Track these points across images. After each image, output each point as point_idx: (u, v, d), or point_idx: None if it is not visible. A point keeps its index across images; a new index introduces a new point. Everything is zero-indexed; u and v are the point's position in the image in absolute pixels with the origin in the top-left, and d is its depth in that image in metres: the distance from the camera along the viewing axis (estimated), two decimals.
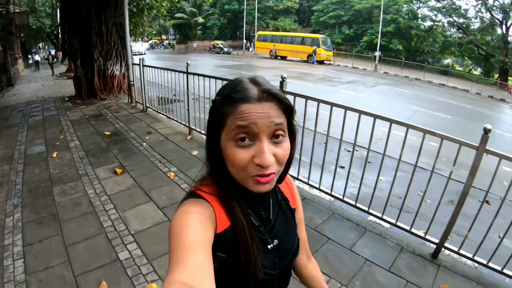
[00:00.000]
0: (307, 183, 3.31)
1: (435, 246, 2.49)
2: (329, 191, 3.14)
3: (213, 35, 40.98)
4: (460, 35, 31.99)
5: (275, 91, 0.61)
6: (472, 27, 31.39)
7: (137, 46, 33.09)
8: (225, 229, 0.64)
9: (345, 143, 3.13)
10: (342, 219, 2.90)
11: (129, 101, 7.52)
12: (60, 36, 14.13)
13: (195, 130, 4.93)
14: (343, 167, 4.33)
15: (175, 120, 5.57)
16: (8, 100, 9.68)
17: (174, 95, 5.63)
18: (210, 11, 39.16)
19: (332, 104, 2.88)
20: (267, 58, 27.66)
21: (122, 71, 8.29)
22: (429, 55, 35.50)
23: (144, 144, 4.67)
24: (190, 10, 35.57)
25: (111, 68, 8.25)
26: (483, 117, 11.63)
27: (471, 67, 38.82)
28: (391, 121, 2.56)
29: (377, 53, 25.82)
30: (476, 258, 2.37)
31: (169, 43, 42.22)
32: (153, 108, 6.48)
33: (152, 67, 6.33)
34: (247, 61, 24.36)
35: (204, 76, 4.51)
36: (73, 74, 10.04)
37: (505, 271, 2.25)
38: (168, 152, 4.32)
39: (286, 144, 0.63)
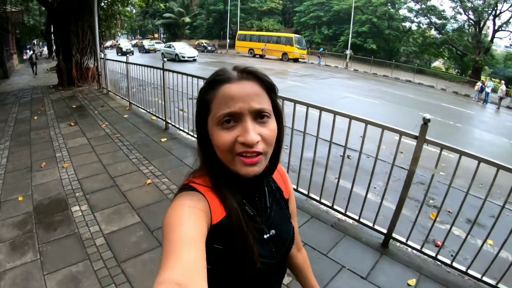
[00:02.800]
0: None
1: None
2: None
3: (201, 34, 43.03)
4: (439, 36, 33.61)
5: (254, 69, 0.64)
6: (449, 27, 33.21)
7: (184, 49, 23.73)
8: (220, 220, 0.64)
9: None
10: None
11: (98, 87, 9.67)
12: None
13: (133, 104, 7.06)
14: None
15: (123, 98, 7.72)
16: (4, 88, 11.83)
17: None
18: (197, 11, 41.23)
19: None
20: (245, 56, 29.69)
21: (95, 64, 10.41)
22: (412, 55, 37.41)
23: (96, 112, 6.85)
24: (177, 10, 37.72)
25: (86, 61, 10.40)
26: (419, 104, 13.01)
27: (453, 66, 40.24)
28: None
29: (348, 52, 27.97)
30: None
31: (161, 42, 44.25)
32: (113, 92, 8.62)
33: (112, 60, 8.48)
34: (224, 58, 26.32)
35: (138, 64, 6.61)
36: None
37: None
38: (108, 116, 6.50)
39: (272, 124, 0.64)
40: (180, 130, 5.19)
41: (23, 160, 4.37)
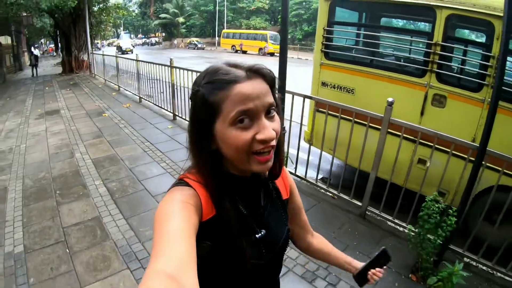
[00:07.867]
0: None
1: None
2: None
3: (195, 33, 47.07)
4: None
5: (260, 66, 0.63)
6: None
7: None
8: (211, 217, 0.65)
9: None
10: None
11: (90, 73, 13.83)
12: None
13: (107, 80, 11.12)
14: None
15: (102, 78, 11.80)
16: (22, 77, 16.18)
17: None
18: (190, 12, 45.25)
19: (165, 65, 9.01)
20: (228, 52, 33.59)
21: (88, 57, 14.55)
22: None
23: (84, 85, 11.00)
24: (172, 11, 41.82)
25: (82, 56, 14.60)
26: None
27: None
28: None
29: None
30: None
31: (157, 41, 48.86)
32: (98, 75, 12.73)
33: (96, 54, 12.59)
34: (206, 53, 29.97)
35: (106, 55, 10.65)
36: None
37: None
38: (90, 87, 10.63)
39: (277, 117, 0.65)
40: (126, 90, 9.20)
41: (40, 101, 8.55)
